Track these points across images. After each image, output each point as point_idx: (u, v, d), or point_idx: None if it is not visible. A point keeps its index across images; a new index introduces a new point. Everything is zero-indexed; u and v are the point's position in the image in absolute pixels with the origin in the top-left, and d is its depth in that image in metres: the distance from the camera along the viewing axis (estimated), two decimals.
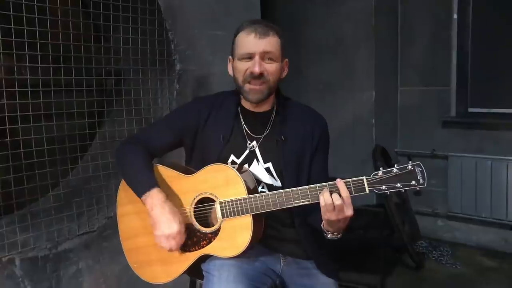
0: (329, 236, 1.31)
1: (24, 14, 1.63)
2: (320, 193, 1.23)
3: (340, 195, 1.21)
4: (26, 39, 1.65)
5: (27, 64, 1.69)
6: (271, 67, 1.36)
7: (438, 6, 3.42)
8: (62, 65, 1.78)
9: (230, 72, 1.45)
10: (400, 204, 3.13)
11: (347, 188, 1.21)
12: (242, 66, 1.36)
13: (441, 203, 3.49)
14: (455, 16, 3.36)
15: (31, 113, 1.69)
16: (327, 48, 3.51)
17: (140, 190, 1.33)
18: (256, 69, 1.33)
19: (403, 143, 3.67)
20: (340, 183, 1.22)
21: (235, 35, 1.40)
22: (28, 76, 1.69)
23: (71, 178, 1.98)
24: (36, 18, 1.67)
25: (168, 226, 1.29)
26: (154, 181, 1.34)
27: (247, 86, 1.37)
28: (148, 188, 1.32)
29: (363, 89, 3.41)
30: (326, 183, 1.24)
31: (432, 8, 3.45)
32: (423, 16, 3.49)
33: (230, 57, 1.44)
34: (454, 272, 2.93)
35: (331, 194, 1.21)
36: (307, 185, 1.28)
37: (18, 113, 1.67)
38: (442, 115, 3.45)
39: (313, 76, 3.58)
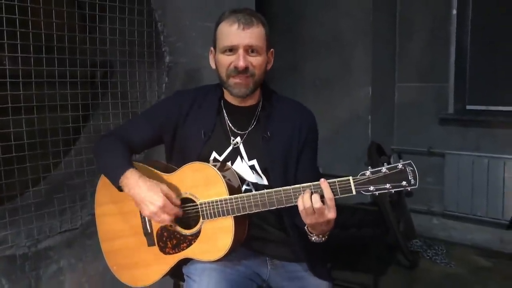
0: (313, 238, 1.25)
1: (3, 1, 1.56)
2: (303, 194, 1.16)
3: (322, 197, 1.14)
4: (5, 28, 1.58)
5: (6, 54, 1.62)
6: (256, 60, 1.29)
7: (437, 1, 3.38)
8: (44, 55, 1.71)
9: (213, 65, 1.38)
10: (395, 202, 3.09)
11: (332, 189, 1.15)
12: (225, 60, 1.29)
13: (437, 201, 3.48)
14: (455, 11, 3.33)
15: (10, 105, 1.62)
16: (324, 43, 3.47)
17: (115, 177, 1.27)
18: (241, 64, 1.26)
19: (399, 140, 3.65)
20: (324, 183, 1.15)
21: (217, 25, 1.33)
22: (7, 67, 1.62)
23: (54, 173, 1.91)
24: (16, 6, 1.59)
25: (150, 203, 1.21)
26: (127, 164, 1.27)
27: (232, 80, 1.30)
28: (122, 172, 1.25)
29: (359, 85, 3.37)
30: (311, 184, 1.17)
31: (431, 3, 3.41)
32: (422, 12, 3.45)
33: (212, 48, 1.37)
34: (449, 272, 2.91)
35: (311, 196, 1.14)
36: (294, 182, 1.21)
37: None
38: (440, 112, 3.43)
39: (310, 72, 3.55)
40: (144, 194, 1.22)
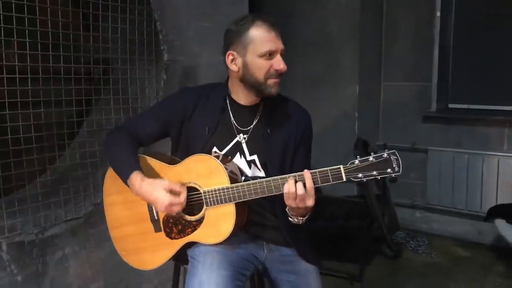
0: (293, 220, 1.38)
1: (13, 1, 1.63)
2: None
3: (304, 186, 1.27)
4: (15, 26, 1.65)
5: (16, 51, 1.69)
6: (284, 64, 1.42)
7: (422, 4, 3.50)
8: (50, 52, 1.79)
9: (234, 68, 1.41)
10: (380, 196, 3.21)
11: (325, 176, 1.27)
12: (265, 63, 1.38)
13: (420, 195, 3.60)
14: (438, 14, 3.46)
15: (19, 99, 1.70)
16: (312, 43, 3.55)
17: (123, 177, 1.37)
18: (284, 67, 1.39)
19: (384, 136, 3.77)
20: (306, 174, 1.28)
21: (244, 31, 1.38)
22: (17, 63, 1.69)
23: (59, 165, 1.99)
24: (25, 5, 1.67)
25: (158, 202, 1.31)
26: (133, 166, 1.37)
27: (271, 81, 1.40)
28: (129, 173, 1.35)
29: (347, 84, 3.47)
30: (301, 173, 1.29)
31: (416, 6, 3.53)
32: (407, 14, 3.58)
33: (234, 52, 1.40)
34: (430, 261, 3.05)
35: (296, 183, 1.27)
36: None
37: (6, 100, 1.68)
38: (423, 110, 3.55)
39: (299, 70, 3.62)
40: (150, 196, 1.33)
